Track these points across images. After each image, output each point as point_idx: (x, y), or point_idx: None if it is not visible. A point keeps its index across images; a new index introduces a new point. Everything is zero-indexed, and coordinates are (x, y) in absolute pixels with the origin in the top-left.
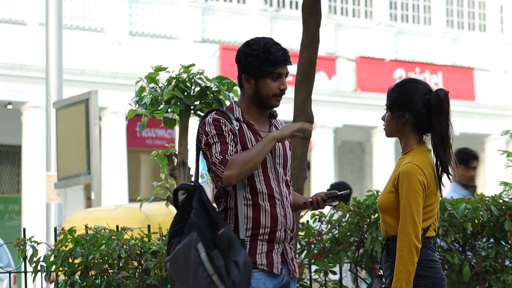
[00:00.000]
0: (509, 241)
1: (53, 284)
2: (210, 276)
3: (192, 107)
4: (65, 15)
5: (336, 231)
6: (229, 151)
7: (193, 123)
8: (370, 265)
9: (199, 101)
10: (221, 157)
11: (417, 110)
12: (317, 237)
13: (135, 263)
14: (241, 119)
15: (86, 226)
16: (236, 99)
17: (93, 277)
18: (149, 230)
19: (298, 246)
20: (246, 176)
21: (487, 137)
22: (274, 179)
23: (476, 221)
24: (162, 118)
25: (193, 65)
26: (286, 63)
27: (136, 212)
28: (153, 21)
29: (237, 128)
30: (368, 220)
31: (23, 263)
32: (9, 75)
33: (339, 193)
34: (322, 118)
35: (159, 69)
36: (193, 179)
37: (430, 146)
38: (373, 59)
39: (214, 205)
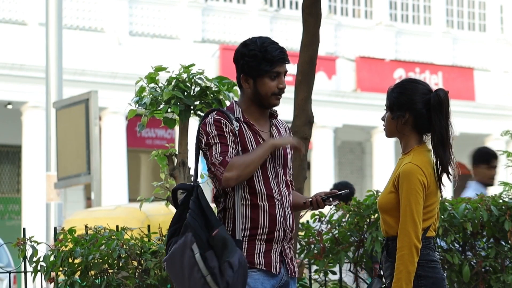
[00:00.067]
0: (509, 241)
1: (53, 284)
2: (204, 276)
3: (192, 107)
4: (65, 15)
5: (336, 231)
6: (229, 152)
7: (193, 123)
8: (370, 265)
9: (199, 101)
10: (221, 158)
11: (417, 110)
12: (317, 237)
13: (135, 263)
14: (241, 119)
15: (86, 226)
16: (236, 99)
17: (93, 277)
18: (149, 230)
19: (298, 246)
20: (245, 179)
21: (487, 137)
22: (273, 179)
23: (476, 221)
24: (162, 118)
25: (193, 65)
26: (284, 62)
27: (136, 212)
28: (153, 21)
29: (237, 128)
30: (368, 220)
31: (23, 263)
32: (9, 75)
33: (339, 192)
34: (322, 118)
35: (159, 69)
36: (192, 179)
37: (430, 146)
38: (373, 59)
39: (213, 205)
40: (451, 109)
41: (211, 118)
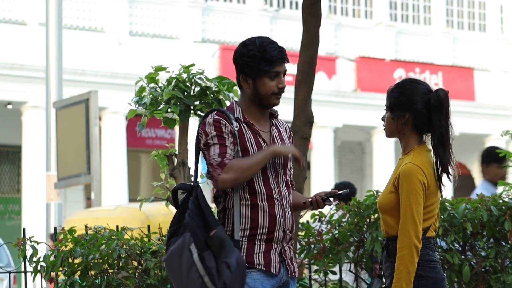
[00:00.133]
0: (509, 241)
1: (53, 284)
2: (202, 277)
3: (192, 107)
4: (65, 15)
5: (336, 231)
6: (227, 154)
7: (193, 123)
8: (370, 265)
9: (199, 101)
10: (219, 159)
11: (417, 110)
12: (317, 237)
13: (135, 263)
14: (241, 119)
15: (86, 226)
16: (236, 99)
17: (93, 277)
18: (149, 230)
19: (298, 246)
20: (241, 183)
21: (487, 137)
22: (273, 179)
23: (476, 221)
24: (162, 118)
25: (193, 65)
26: (283, 61)
27: (136, 212)
28: (153, 21)
29: (236, 128)
30: (368, 220)
31: (23, 263)
32: (9, 75)
33: (339, 192)
34: (322, 118)
35: (159, 69)
36: (192, 179)
37: (430, 146)
38: (373, 59)
39: (213, 205)
40: (451, 109)
41: (210, 118)
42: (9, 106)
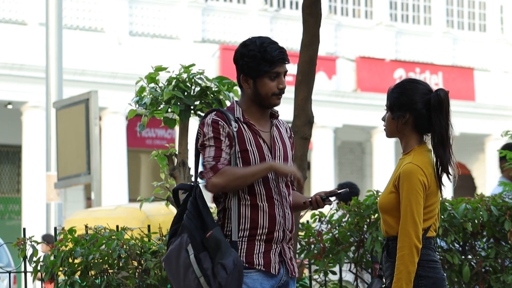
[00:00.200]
0: (509, 241)
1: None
2: (198, 278)
3: (192, 107)
4: (65, 15)
5: (336, 231)
6: (222, 158)
7: (193, 123)
8: (371, 265)
9: (199, 101)
10: (213, 163)
11: (417, 110)
12: (317, 237)
13: (135, 263)
14: (241, 120)
15: (86, 226)
16: (236, 99)
17: (93, 277)
18: (149, 230)
19: (298, 246)
20: (231, 190)
21: (487, 137)
22: (273, 179)
23: (476, 221)
24: (162, 118)
25: (193, 65)
26: (283, 62)
27: (136, 212)
28: (153, 21)
29: (235, 129)
30: (368, 220)
31: (23, 263)
32: (9, 75)
33: (338, 191)
34: (322, 118)
35: (159, 69)
36: (193, 179)
37: (430, 146)
38: (373, 59)
39: (213, 205)
40: (451, 109)
41: (209, 119)
42: (9, 106)
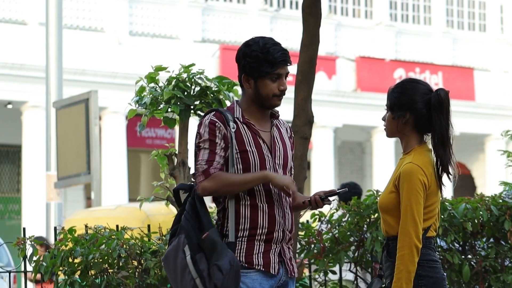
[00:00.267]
0: (509, 241)
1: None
2: (194, 279)
3: (192, 107)
4: (65, 15)
5: (336, 231)
6: (214, 162)
7: (193, 122)
8: (371, 265)
9: (199, 101)
10: (206, 166)
11: (418, 110)
12: (317, 237)
13: (135, 263)
14: (241, 120)
15: (86, 226)
16: (236, 98)
17: (93, 276)
18: (149, 230)
19: (298, 245)
20: (221, 195)
21: (487, 137)
22: None
23: (476, 221)
24: (162, 117)
25: (193, 65)
26: (285, 64)
27: (136, 211)
28: (153, 21)
29: (233, 130)
30: (368, 220)
31: (23, 262)
32: (9, 75)
33: (337, 191)
34: (322, 118)
35: (159, 68)
36: (192, 179)
37: (430, 146)
38: (373, 59)
39: (213, 204)
40: (451, 109)
41: (207, 120)
42: (9, 106)
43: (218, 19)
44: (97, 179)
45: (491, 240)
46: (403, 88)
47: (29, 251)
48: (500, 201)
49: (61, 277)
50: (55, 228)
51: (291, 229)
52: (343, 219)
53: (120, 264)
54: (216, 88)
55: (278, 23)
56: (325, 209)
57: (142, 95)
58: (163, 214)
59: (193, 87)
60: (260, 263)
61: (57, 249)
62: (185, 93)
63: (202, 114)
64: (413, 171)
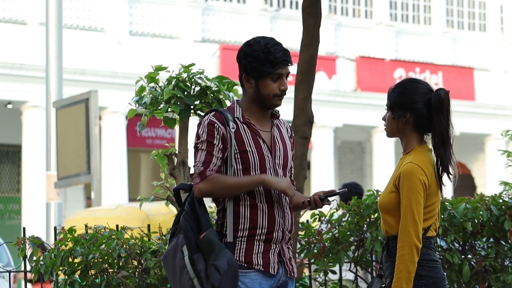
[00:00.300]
0: (509, 241)
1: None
2: (192, 279)
3: (192, 107)
4: (65, 15)
5: (336, 231)
6: (211, 164)
7: (193, 122)
8: (371, 265)
9: (199, 101)
10: (202, 168)
11: (418, 110)
12: (317, 237)
13: (135, 263)
14: (241, 119)
15: (86, 226)
16: (236, 98)
17: (93, 276)
18: (149, 230)
19: (298, 245)
20: (218, 197)
21: (487, 137)
22: None
23: (476, 221)
24: (162, 117)
25: (193, 64)
26: (286, 64)
27: (136, 211)
28: (153, 20)
29: (233, 130)
30: (368, 219)
31: (23, 262)
32: (9, 75)
33: (337, 191)
34: (322, 118)
35: (159, 68)
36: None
37: (430, 146)
38: (373, 59)
39: (213, 204)
40: (451, 109)
41: (206, 120)
42: (9, 106)
43: (218, 19)
44: (97, 179)
45: (491, 240)
46: (404, 88)
47: (29, 251)
48: (500, 201)
49: (61, 277)
50: (55, 228)
51: (290, 229)
52: (343, 219)
53: (120, 264)
54: (216, 88)
55: (278, 23)
56: (325, 209)
57: (142, 95)
58: (163, 214)
59: (193, 87)
60: (259, 263)
61: (57, 249)
62: (185, 93)
63: (202, 114)
64: (413, 171)
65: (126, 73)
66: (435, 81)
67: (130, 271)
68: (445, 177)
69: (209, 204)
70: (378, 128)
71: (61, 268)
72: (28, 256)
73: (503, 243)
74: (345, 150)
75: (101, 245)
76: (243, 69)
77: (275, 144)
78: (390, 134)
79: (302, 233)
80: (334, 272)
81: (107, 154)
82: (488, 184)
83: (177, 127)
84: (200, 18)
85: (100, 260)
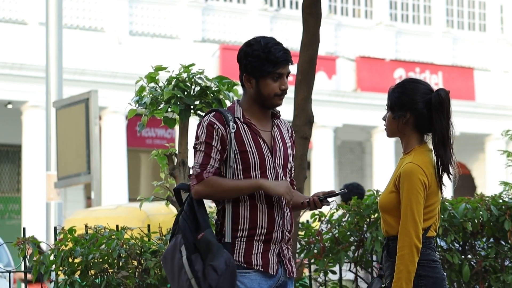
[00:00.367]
0: (509, 241)
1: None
2: (189, 279)
3: (192, 107)
4: (65, 15)
5: (336, 231)
6: (209, 166)
7: (193, 122)
8: (371, 265)
9: (199, 101)
10: (199, 170)
11: (418, 110)
12: (317, 237)
13: (135, 263)
14: (242, 119)
15: (86, 226)
16: (236, 98)
17: (93, 276)
18: (149, 230)
19: (298, 245)
20: (215, 199)
21: (487, 137)
22: (273, 180)
23: (476, 221)
24: (162, 117)
25: (193, 64)
26: (287, 63)
27: (137, 211)
28: (153, 20)
29: (233, 130)
30: (368, 219)
31: (23, 262)
32: (9, 75)
33: (336, 192)
34: (322, 118)
35: (159, 68)
36: None
37: (431, 146)
38: (373, 59)
39: (213, 204)
40: (452, 109)
41: (206, 121)
42: (9, 106)
43: (218, 19)
44: (97, 179)
45: (491, 240)
46: (404, 88)
47: (29, 251)
48: (500, 201)
49: (61, 277)
50: (55, 228)
51: (290, 229)
52: (343, 219)
53: (120, 264)
54: (216, 88)
55: (278, 23)
56: (326, 209)
57: (142, 95)
58: (163, 214)
59: (193, 87)
60: (258, 263)
61: (57, 249)
62: (185, 93)
63: (202, 114)
64: (413, 171)
65: (126, 73)
66: (435, 81)
67: (130, 271)
68: (445, 177)
69: (209, 204)
70: (378, 128)
71: (61, 268)
72: (28, 256)
73: (503, 243)
74: (345, 150)
75: (101, 245)
76: (243, 69)
77: (275, 144)
78: (390, 134)
79: (302, 233)
80: (334, 272)
81: (107, 154)
82: (488, 184)
83: (177, 127)
84: (200, 18)
85: (100, 260)
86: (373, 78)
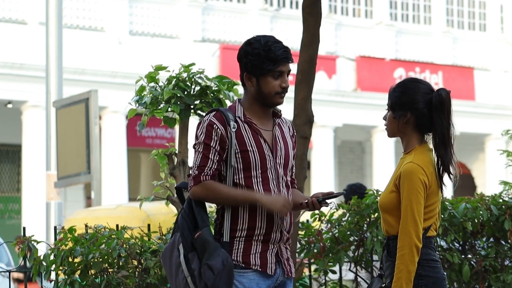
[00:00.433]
0: (509, 241)
1: (52, 283)
2: (186, 278)
3: (192, 106)
4: (65, 14)
5: (336, 231)
6: (206, 168)
7: (193, 122)
8: (371, 265)
9: (199, 100)
10: (197, 172)
11: (419, 109)
12: (317, 236)
13: (135, 262)
14: (242, 119)
15: (86, 225)
16: (236, 97)
17: (93, 276)
18: (149, 229)
19: (298, 245)
20: (209, 203)
21: (487, 137)
22: (273, 179)
23: (476, 221)
24: (162, 117)
25: (193, 64)
26: (287, 61)
27: (137, 211)
28: (153, 20)
29: (234, 129)
30: (368, 219)
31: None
32: (9, 74)
33: (335, 193)
34: (322, 117)
35: (159, 68)
36: None
37: (431, 146)
38: (373, 58)
39: (213, 204)
40: (452, 108)
41: (206, 121)
42: (9, 105)
43: (218, 18)
44: (97, 178)
45: (491, 239)
46: (405, 88)
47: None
48: (500, 200)
49: (61, 276)
50: (55, 227)
51: (289, 229)
52: (343, 219)
53: (120, 263)
54: (216, 88)
55: (278, 22)
56: (326, 209)
57: (142, 94)
58: (163, 213)
59: (193, 86)
60: (257, 263)
61: (57, 249)
62: (185, 92)
63: (202, 113)
64: (414, 171)
65: (126, 72)
66: (435, 81)
67: (130, 271)
68: (445, 177)
69: (210, 204)
70: (378, 128)
71: (61, 268)
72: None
73: (503, 243)
74: (345, 149)
75: (101, 245)
76: (244, 68)
77: (276, 143)
78: (390, 133)
79: (302, 233)
80: (334, 272)
81: (107, 154)
82: (488, 184)
83: (177, 127)
84: (200, 18)
85: (100, 260)
86: (373, 78)
